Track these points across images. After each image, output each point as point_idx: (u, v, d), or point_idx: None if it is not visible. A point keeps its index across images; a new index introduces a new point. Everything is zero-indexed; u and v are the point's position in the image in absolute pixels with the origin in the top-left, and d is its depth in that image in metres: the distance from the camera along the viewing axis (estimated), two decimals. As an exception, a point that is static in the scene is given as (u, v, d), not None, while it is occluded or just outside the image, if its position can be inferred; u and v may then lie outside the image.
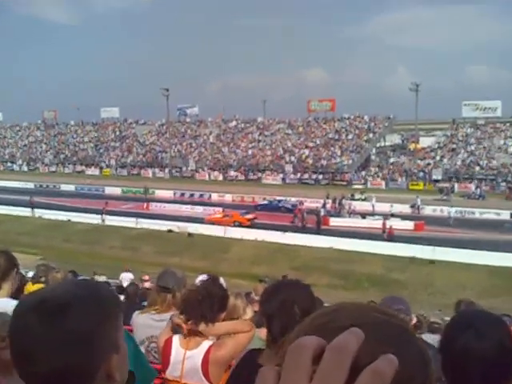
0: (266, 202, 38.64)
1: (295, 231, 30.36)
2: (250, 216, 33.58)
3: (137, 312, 3.71)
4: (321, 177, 51.93)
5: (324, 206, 35.33)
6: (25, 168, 71.05)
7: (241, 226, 31.80)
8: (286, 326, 1.86)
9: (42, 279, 5.27)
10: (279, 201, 38.08)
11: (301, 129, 62.09)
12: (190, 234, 30.29)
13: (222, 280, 3.34)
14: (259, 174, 55.71)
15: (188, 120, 72.35)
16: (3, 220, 34.93)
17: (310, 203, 36.39)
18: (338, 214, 34.62)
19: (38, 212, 37.11)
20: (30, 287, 4.97)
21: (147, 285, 11.80)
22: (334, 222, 32.63)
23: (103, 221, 34.31)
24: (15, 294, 2.66)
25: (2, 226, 33.00)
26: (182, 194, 46.35)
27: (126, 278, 15.16)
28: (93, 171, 65.22)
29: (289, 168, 54.30)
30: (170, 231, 31.28)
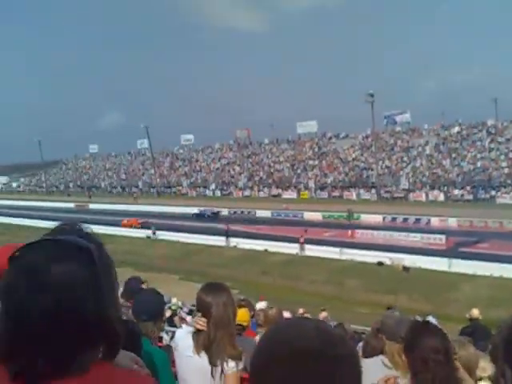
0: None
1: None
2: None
3: None
4: None
5: None
6: (218, 193, 78.60)
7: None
8: None
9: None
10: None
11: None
12: (405, 268, 29.82)
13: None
14: (492, 193, 53.38)
15: (398, 129, 72.49)
16: (196, 250, 39.21)
17: None
18: None
19: (233, 241, 40.60)
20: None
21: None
22: None
23: (302, 250, 36.07)
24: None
25: (195, 257, 37.18)
26: (394, 219, 46.23)
27: None
28: (290, 194, 69.12)
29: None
30: (380, 264, 31.48)
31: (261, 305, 9.56)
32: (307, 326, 1.11)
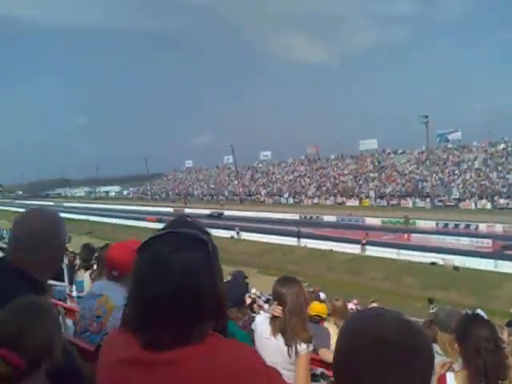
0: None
1: None
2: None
3: None
4: None
5: None
6: (290, 200, 78.44)
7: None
8: None
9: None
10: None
11: None
12: (455, 268, 29.15)
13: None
14: (536, 202, 50.04)
15: (450, 146, 70.22)
16: (272, 248, 39.18)
17: None
18: None
19: (303, 241, 40.23)
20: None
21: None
22: None
23: (363, 251, 35.35)
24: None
25: (271, 254, 37.07)
26: (446, 225, 44.71)
27: None
28: (352, 202, 67.92)
29: None
30: (433, 264, 30.56)
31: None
32: (387, 316, 1.07)
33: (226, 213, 66.05)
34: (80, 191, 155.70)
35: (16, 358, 1.47)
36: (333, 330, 5.06)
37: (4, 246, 7.53)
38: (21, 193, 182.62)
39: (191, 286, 1.15)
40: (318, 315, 5.19)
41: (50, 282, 3.81)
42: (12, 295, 1.62)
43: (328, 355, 4.26)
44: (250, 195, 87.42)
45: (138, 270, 1.20)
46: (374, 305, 14.19)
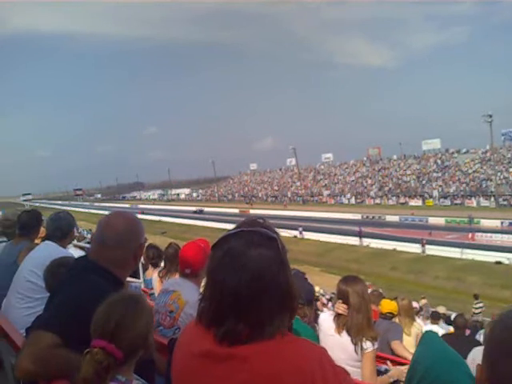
0: None
1: None
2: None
3: None
4: None
5: None
6: (352, 201, 77.17)
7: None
8: None
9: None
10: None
11: None
12: None
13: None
14: None
15: (515, 144, 67.25)
16: (334, 247, 38.90)
17: None
18: None
19: (366, 241, 39.49)
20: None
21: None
22: None
23: (423, 251, 34.24)
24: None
25: (334, 253, 36.86)
26: (511, 224, 42.38)
27: None
28: (416, 202, 65.92)
29: None
30: (498, 263, 29.34)
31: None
32: None
33: (290, 213, 66.05)
34: (153, 194, 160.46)
35: (115, 350, 1.55)
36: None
37: (85, 245, 7.88)
38: (99, 196, 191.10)
39: (265, 279, 1.16)
40: (390, 312, 5.33)
41: (127, 278, 3.96)
42: (96, 291, 1.69)
43: (399, 348, 4.21)
44: (312, 196, 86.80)
45: (213, 264, 1.22)
46: (424, 301, 14.46)
